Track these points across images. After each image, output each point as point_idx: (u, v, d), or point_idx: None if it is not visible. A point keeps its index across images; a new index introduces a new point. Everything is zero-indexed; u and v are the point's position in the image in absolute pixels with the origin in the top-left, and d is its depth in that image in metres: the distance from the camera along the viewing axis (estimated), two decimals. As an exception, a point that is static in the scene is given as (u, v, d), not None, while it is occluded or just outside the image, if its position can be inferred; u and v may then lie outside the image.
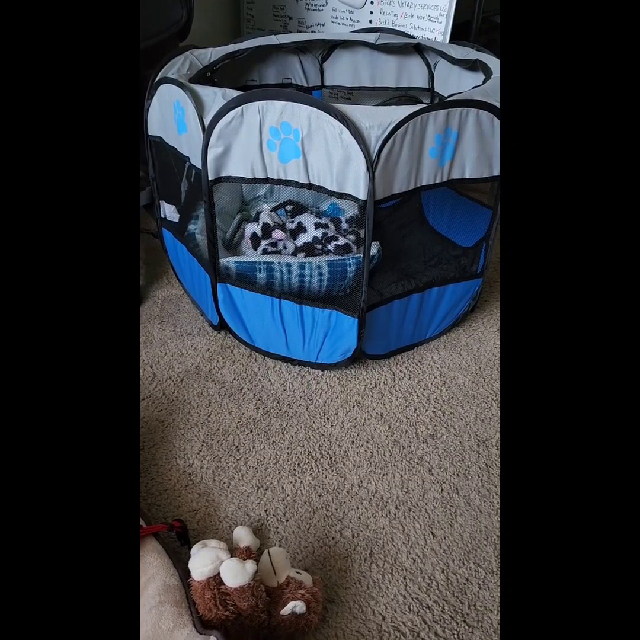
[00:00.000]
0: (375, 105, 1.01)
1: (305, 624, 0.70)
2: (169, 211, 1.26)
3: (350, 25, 1.70)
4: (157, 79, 1.08)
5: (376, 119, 0.86)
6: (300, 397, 1.08)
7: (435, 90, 1.42)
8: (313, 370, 1.13)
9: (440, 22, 1.53)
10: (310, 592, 0.71)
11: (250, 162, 0.94)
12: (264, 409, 1.05)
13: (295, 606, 0.68)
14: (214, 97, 0.95)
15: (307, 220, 1.30)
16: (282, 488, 0.91)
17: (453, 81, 1.34)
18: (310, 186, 0.94)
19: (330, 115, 0.86)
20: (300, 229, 1.29)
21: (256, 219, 1.30)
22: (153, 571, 0.71)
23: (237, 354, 1.17)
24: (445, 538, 0.85)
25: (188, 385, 1.09)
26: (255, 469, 0.94)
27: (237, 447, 0.98)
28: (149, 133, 1.14)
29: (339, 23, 1.73)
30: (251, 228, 1.28)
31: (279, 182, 0.95)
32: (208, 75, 1.24)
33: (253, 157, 0.93)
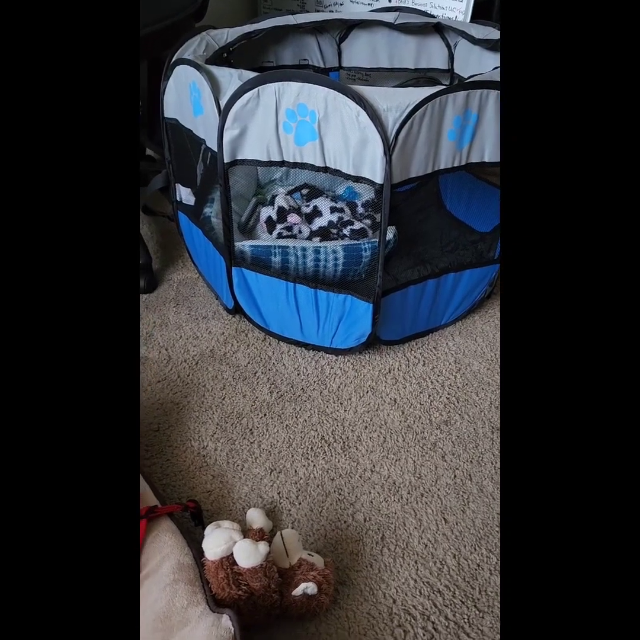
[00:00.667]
0: (393, 87, 0.99)
1: (316, 605, 0.71)
2: (185, 194, 1.26)
3: (368, 4, 1.67)
4: (173, 60, 1.07)
5: (394, 101, 0.85)
6: (314, 381, 1.08)
7: (455, 71, 1.39)
8: (327, 355, 1.13)
9: (462, 1, 1.50)
10: (322, 574, 0.72)
11: (266, 145, 0.93)
12: (277, 393, 1.05)
13: (307, 587, 0.69)
14: (230, 78, 0.94)
15: (323, 204, 1.29)
16: (295, 471, 0.92)
17: (474, 62, 1.31)
18: (326, 169, 0.93)
19: (347, 97, 0.85)
20: (316, 213, 1.28)
21: (271, 203, 1.30)
22: (168, 550, 0.72)
23: (251, 338, 1.17)
24: (457, 524, 0.85)
25: (203, 369, 1.10)
26: (269, 452, 0.95)
27: (251, 430, 0.98)
28: (165, 115, 1.13)
29: (357, 2, 1.70)
30: (266, 212, 1.27)
31: (295, 165, 0.94)
32: (224, 57, 1.23)
33: (269, 139, 0.92)
